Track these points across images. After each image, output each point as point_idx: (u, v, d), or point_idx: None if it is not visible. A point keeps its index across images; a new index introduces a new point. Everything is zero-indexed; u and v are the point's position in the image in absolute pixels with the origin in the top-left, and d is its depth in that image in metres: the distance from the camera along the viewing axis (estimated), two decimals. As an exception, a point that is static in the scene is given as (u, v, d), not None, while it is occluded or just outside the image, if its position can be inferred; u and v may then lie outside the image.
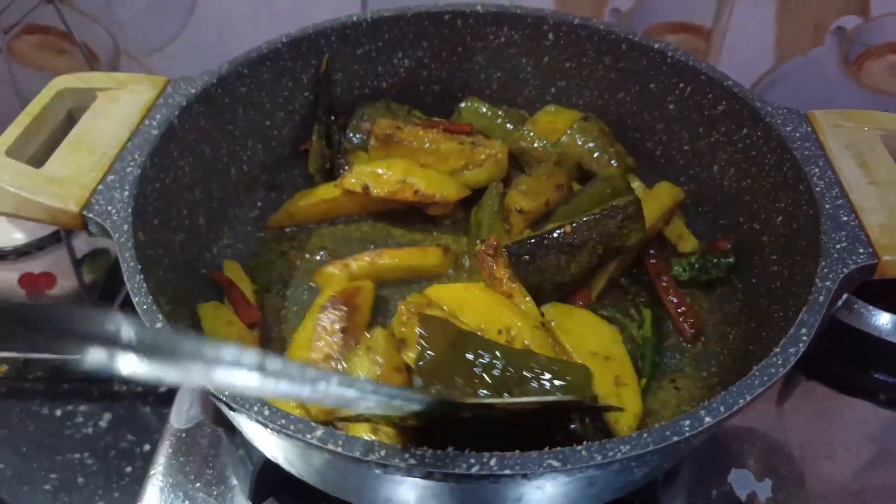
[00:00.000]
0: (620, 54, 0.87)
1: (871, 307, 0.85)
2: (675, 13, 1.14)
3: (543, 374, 0.61)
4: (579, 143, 0.87)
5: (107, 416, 0.93)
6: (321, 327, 0.72)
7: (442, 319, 0.67)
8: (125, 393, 0.95)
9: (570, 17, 0.87)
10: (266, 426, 0.50)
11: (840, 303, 0.85)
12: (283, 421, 0.49)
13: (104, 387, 0.95)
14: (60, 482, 0.86)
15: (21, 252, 0.90)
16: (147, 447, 0.89)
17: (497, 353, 0.62)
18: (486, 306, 0.71)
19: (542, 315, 0.72)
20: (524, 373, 0.61)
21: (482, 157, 0.84)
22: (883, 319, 0.85)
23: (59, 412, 0.93)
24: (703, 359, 0.75)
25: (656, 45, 0.84)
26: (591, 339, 0.71)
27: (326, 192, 0.86)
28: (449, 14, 0.89)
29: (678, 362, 0.75)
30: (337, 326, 0.72)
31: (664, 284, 0.79)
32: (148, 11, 1.16)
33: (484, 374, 0.61)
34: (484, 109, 0.93)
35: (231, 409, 0.51)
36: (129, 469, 0.87)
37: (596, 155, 0.86)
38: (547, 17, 0.88)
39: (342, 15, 0.88)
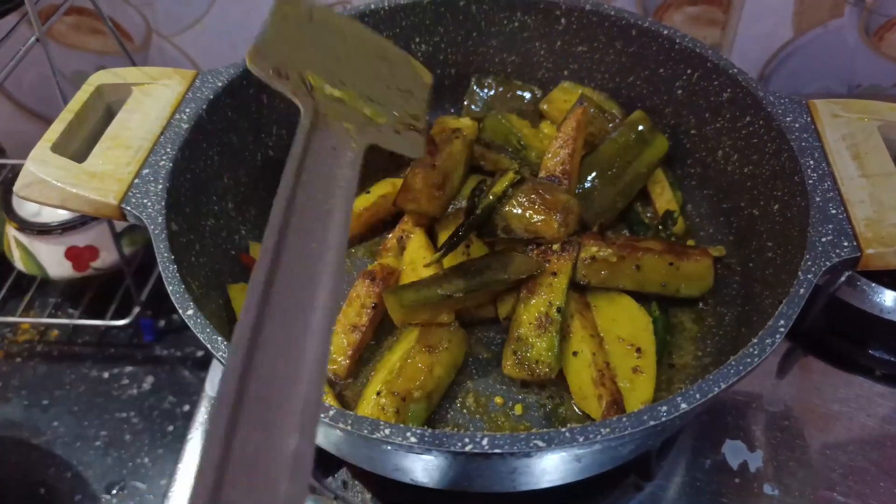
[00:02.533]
0: (631, 39, 0.89)
1: (874, 284, 0.87)
2: (694, -15, 1.14)
3: None
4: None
5: (149, 378, 1.01)
6: (356, 294, 0.78)
7: None
8: (166, 357, 1.03)
9: (581, 3, 0.89)
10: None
11: (842, 280, 0.88)
12: (300, 401, 0.55)
13: (147, 351, 1.04)
14: (110, 439, 0.94)
15: (66, 227, 0.97)
16: (187, 408, 0.97)
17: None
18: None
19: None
20: None
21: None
22: (885, 297, 0.87)
23: (106, 375, 1.02)
24: (701, 339, 0.79)
25: (665, 31, 0.85)
26: (623, 326, 0.76)
27: (362, 201, 0.88)
28: (464, 0, 0.92)
29: (677, 340, 0.80)
30: (371, 300, 0.77)
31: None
32: (177, -8, 1.21)
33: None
34: (494, 86, 0.97)
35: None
36: (170, 428, 0.95)
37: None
38: (559, 3, 0.90)
39: (362, -2, 0.91)
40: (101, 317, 1.03)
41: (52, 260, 1.00)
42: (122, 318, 1.01)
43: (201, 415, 0.86)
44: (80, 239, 0.99)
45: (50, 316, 1.07)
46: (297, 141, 0.53)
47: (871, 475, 0.78)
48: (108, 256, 1.01)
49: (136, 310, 1.01)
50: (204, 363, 1.02)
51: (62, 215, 0.97)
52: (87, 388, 1.00)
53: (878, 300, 0.87)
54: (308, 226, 0.46)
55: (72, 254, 0.99)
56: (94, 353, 1.04)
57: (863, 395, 0.85)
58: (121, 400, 0.98)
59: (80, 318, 1.06)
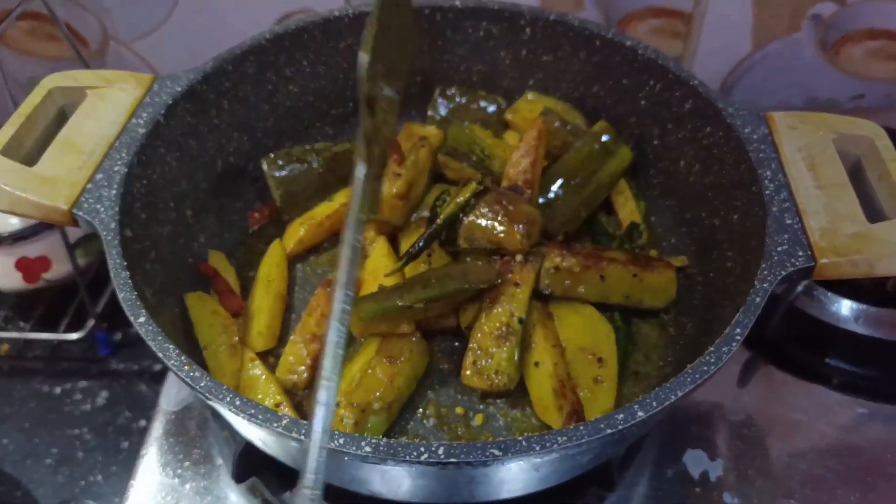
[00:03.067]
0: (594, 49, 0.89)
1: (830, 294, 0.89)
2: (655, -2, 1.15)
3: None
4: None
5: (104, 393, 0.98)
6: (316, 303, 0.77)
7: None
8: (122, 371, 1.00)
9: (546, 13, 0.90)
10: (237, 415, 0.55)
11: (799, 289, 0.89)
12: (253, 411, 0.54)
13: (101, 365, 1.00)
14: (61, 456, 0.91)
15: (17, 237, 0.93)
16: (143, 423, 0.94)
17: None
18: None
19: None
20: None
21: None
22: (842, 306, 0.88)
23: (58, 390, 0.98)
24: (663, 348, 0.80)
25: (628, 43, 0.86)
26: (585, 335, 0.76)
27: (325, 209, 0.88)
28: (429, 9, 0.92)
29: (639, 350, 0.80)
30: None
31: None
32: (135, -2, 1.19)
33: None
34: (458, 97, 0.97)
35: (207, 399, 0.56)
36: (125, 444, 0.92)
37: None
38: (524, 13, 0.90)
39: (326, 2, 0.90)
40: (54, 330, 1.00)
41: (2, 271, 0.96)
42: (76, 331, 0.98)
43: (156, 430, 0.84)
44: (31, 249, 0.96)
45: (-1, 329, 1.03)
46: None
47: (829, 483, 0.78)
48: (60, 267, 0.98)
49: (91, 322, 0.98)
50: (161, 377, 0.99)
51: (12, 225, 0.93)
52: (37, 403, 0.97)
53: (835, 309, 0.88)
54: None
55: (22, 265, 0.96)
56: (46, 367, 1.01)
57: (821, 404, 0.86)
58: (73, 416, 0.95)
59: (31, 331, 1.02)
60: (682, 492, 0.78)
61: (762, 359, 0.90)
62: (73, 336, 0.98)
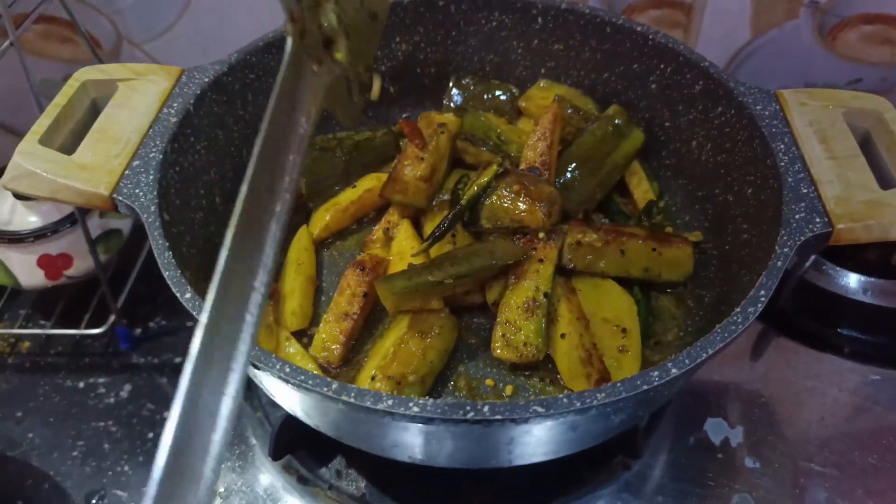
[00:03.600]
0: (605, 37, 0.92)
1: (839, 268, 0.92)
2: (656, -12, 1.18)
3: None
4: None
5: (127, 386, 0.99)
6: (347, 283, 0.79)
7: None
8: (143, 365, 1.01)
9: (557, 2, 0.93)
10: (287, 382, 0.57)
11: (808, 264, 0.92)
12: (302, 377, 0.56)
13: (123, 360, 1.01)
14: (88, 448, 0.92)
15: (38, 235, 0.94)
16: (167, 414, 0.95)
17: None
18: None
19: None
20: None
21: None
22: (850, 279, 0.91)
23: (81, 384, 0.99)
24: (682, 320, 0.82)
25: (638, 28, 0.89)
26: (608, 307, 0.78)
27: (349, 195, 0.91)
28: (443, 0, 0.94)
29: (659, 322, 0.82)
30: (361, 289, 0.78)
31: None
32: (147, 0, 1.21)
33: None
34: (472, 86, 0.99)
35: (256, 367, 0.58)
36: (150, 435, 0.93)
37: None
38: (536, 2, 0.93)
39: None
40: (76, 326, 1.01)
41: (24, 269, 0.97)
42: (98, 326, 0.99)
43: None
44: (53, 247, 0.96)
45: (21, 327, 1.04)
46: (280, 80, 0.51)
47: (846, 446, 0.81)
48: (82, 264, 0.99)
49: (112, 318, 0.99)
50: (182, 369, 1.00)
51: (34, 223, 0.94)
52: (61, 398, 0.98)
53: (844, 282, 0.91)
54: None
55: (44, 262, 0.97)
56: (69, 363, 1.02)
57: (833, 372, 0.89)
58: (97, 409, 0.96)
59: (53, 327, 1.03)
60: (704, 458, 0.81)
61: (774, 331, 0.93)
62: (96, 331, 0.99)
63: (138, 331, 1.05)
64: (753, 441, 0.82)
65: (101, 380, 1.00)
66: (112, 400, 0.98)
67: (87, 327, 1.00)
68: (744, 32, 1.22)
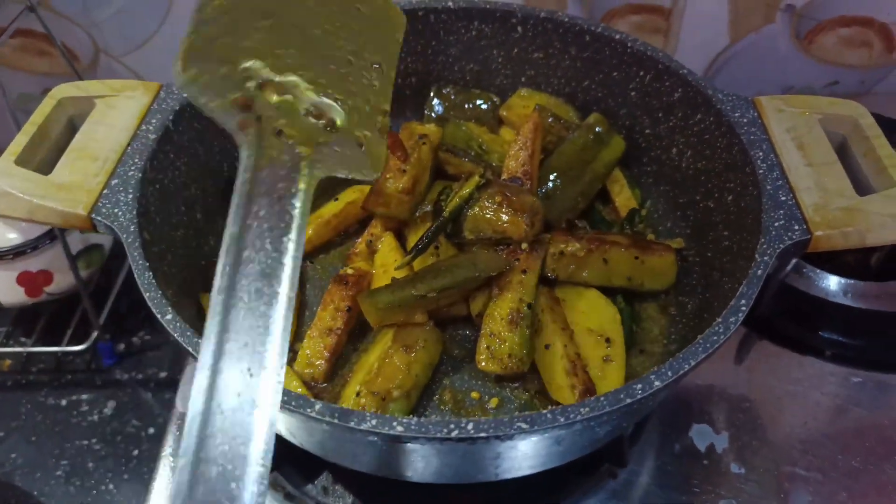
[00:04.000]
0: (584, 45, 0.92)
1: (818, 270, 0.93)
2: (635, -5, 1.19)
3: None
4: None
5: (111, 403, 0.98)
6: (330, 298, 0.79)
7: None
8: (127, 381, 1.00)
9: (536, 11, 0.93)
10: (271, 403, 0.56)
11: (789, 268, 0.93)
12: (285, 398, 0.56)
13: (106, 376, 1.01)
14: (71, 467, 0.91)
15: (18, 252, 0.93)
16: (152, 430, 0.95)
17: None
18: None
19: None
20: None
21: None
22: (830, 282, 0.92)
23: (64, 402, 0.98)
24: (665, 328, 0.83)
25: (617, 36, 0.89)
26: (592, 318, 0.79)
27: (331, 208, 0.90)
28: (422, 10, 0.94)
29: (643, 330, 0.83)
30: (345, 304, 0.78)
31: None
32: (125, 12, 1.20)
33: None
34: (453, 96, 1.00)
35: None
36: (135, 452, 0.93)
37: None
38: (515, 11, 0.93)
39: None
40: (57, 343, 1.00)
41: (4, 286, 0.96)
42: (80, 343, 0.98)
43: (174, 431, 0.85)
44: (32, 264, 0.96)
45: (1, 345, 1.03)
46: (239, 184, 0.52)
47: (829, 449, 0.82)
48: (62, 280, 0.98)
49: (95, 334, 0.99)
50: (167, 384, 1.00)
51: (12, 240, 0.93)
52: (44, 416, 0.97)
53: (824, 285, 0.92)
54: (257, 277, 0.48)
55: (24, 279, 0.96)
56: (51, 380, 1.01)
57: (815, 375, 0.90)
58: (81, 427, 0.96)
59: (34, 345, 1.02)
60: (690, 465, 0.81)
61: (757, 335, 0.94)
62: (77, 348, 0.98)
63: (121, 346, 1.04)
64: (738, 446, 0.82)
65: (84, 397, 0.99)
66: (96, 417, 0.97)
67: (68, 344, 1.00)
68: (723, 37, 1.24)
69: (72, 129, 0.78)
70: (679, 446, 0.83)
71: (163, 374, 1.01)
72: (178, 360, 1.01)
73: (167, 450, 0.85)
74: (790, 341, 0.93)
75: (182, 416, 0.86)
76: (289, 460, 0.79)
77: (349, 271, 0.82)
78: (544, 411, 0.55)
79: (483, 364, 0.74)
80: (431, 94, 1.01)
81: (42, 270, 0.97)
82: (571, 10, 1.20)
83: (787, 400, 0.88)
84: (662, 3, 1.19)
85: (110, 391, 0.99)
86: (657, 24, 1.22)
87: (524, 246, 0.79)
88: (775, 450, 0.83)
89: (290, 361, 0.78)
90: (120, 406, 0.98)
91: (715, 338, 0.60)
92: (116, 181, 0.71)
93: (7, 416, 0.97)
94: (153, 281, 0.64)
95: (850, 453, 0.82)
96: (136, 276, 0.65)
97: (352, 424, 0.54)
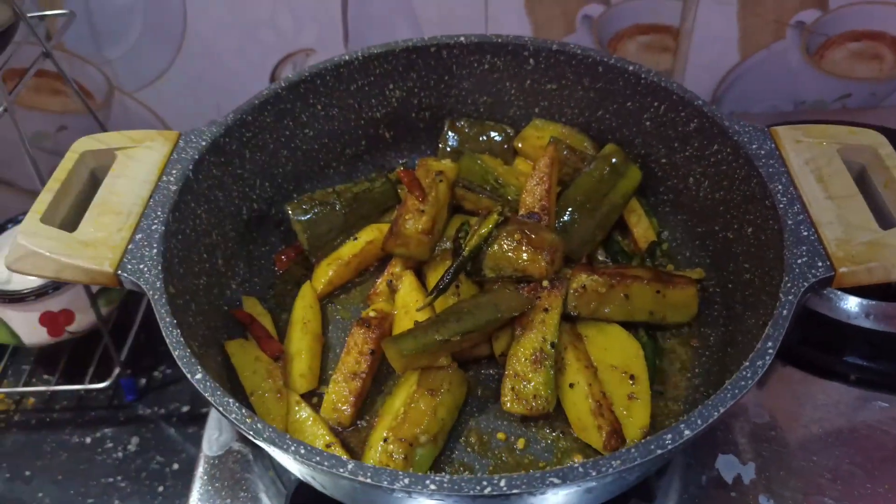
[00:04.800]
0: (597, 76, 0.93)
1: (839, 292, 0.92)
2: (643, 16, 1.19)
3: None
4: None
5: (134, 439, 0.99)
6: (353, 342, 0.79)
7: None
8: (149, 416, 1.01)
9: (548, 43, 0.93)
10: (303, 464, 0.57)
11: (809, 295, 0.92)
12: (318, 458, 0.57)
13: (128, 412, 1.01)
14: (98, 505, 0.91)
15: (39, 293, 0.94)
16: (176, 466, 0.95)
17: None
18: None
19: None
20: None
21: None
22: (850, 303, 0.92)
23: (88, 439, 0.99)
24: (689, 361, 0.83)
25: (630, 67, 0.89)
26: (615, 354, 0.79)
27: (350, 248, 0.91)
28: (434, 46, 0.95)
29: (666, 364, 0.83)
30: (368, 347, 0.78)
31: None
32: (137, 49, 1.21)
33: None
34: (467, 128, 1.00)
35: (271, 448, 0.58)
36: (161, 488, 0.93)
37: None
38: (527, 44, 0.94)
39: (324, 42, 0.92)
40: (79, 380, 1.00)
41: (26, 327, 0.97)
42: (102, 380, 0.99)
43: (201, 475, 0.85)
44: (54, 304, 0.96)
45: (25, 384, 1.04)
46: None
47: (858, 477, 0.82)
48: (84, 319, 0.99)
49: (117, 370, 0.99)
50: (190, 418, 1.00)
51: (34, 281, 0.94)
52: (69, 455, 0.97)
53: (845, 307, 0.92)
54: None
55: (46, 319, 0.97)
56: (74, 418, 1.02)
57: (840, 401, 0.89)
58: (105, 464, 0.96)
59: (56, 383, 1.03)
60: (718, 497, 0.81)
61: (779, 360, 0.93)
62: (100, 386, 0.99)
63: (143, 381, 1.05)
64: (766, 477, 0.82)
65: (108, 433, 1.00)
66: (120, 454, 0.97)
67: (91, 381, 1.00)
68: (732, 55, 1.23)
69: (94, 182, 0.78)
70: (706, 478, 0.83)
71: (185, 409, 1.02)
72: (200, 395, 1.02)
73: (194, 495, 0.86)
74: (813, 366, 0.92)
75: (210, 461, 0.87)
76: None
77: (371, 314, 0.82)
78: (576, 464, 0.55)
79: (508, 406, 0.75)
80: (446, 127, 1.01)
81: (64, 310, 0.98)
82: (580, 33, 1.20)
83: (813, 427, 0.87)
84: (671, 22, 1.19)
85: (133, 427, 1.00)
86: (665, 43, 1.22)
87: (545, 283, 0.80)
88: (804, 480, 0.82)
89: (316, 405, 0.79)
90: (143, 442, 0.98)
91: (743, 383, 0.60)
92: (140, 235, 0.72)
93: (32, 455, 0.98)
94: (181, 339, 0.64)
95: (878, 480, 0.82)
96: (164, 333, 0.65)
97: (384, 484, 0.55)
